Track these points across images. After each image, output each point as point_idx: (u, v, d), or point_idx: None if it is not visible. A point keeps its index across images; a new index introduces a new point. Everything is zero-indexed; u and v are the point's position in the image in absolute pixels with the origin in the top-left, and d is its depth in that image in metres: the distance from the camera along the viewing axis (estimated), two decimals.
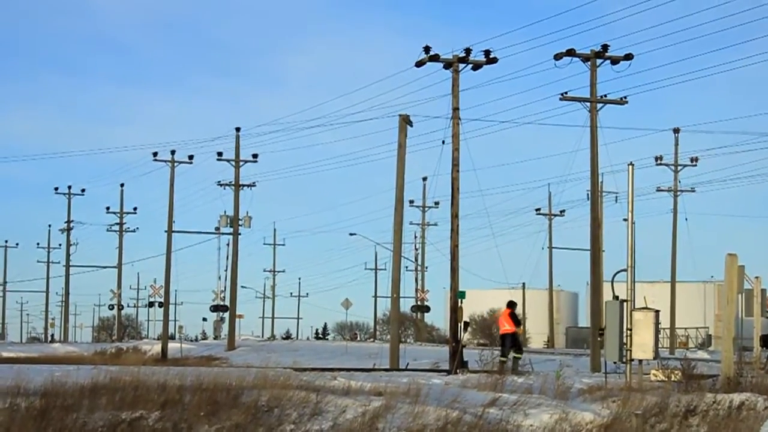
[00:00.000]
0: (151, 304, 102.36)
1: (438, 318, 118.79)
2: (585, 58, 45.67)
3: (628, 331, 26.43)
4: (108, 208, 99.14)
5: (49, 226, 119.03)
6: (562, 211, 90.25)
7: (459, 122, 42.87)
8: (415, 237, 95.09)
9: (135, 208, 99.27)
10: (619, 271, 27.91)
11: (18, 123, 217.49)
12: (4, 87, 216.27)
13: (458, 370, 37.07)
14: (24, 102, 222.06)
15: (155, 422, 17.62)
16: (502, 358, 35.90)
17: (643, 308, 27.13)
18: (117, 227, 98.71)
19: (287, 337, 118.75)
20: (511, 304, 37.75)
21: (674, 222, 73.66)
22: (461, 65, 43.28)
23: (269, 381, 20.30)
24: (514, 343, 36.62)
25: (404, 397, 20.05)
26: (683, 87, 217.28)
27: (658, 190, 73.50)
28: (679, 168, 72.35)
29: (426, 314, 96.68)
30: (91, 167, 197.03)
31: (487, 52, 43.12)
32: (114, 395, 18.23)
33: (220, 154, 71.65)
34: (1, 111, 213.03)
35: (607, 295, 29.13)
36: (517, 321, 37.15)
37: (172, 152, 74.26)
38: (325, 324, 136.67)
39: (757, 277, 37.41)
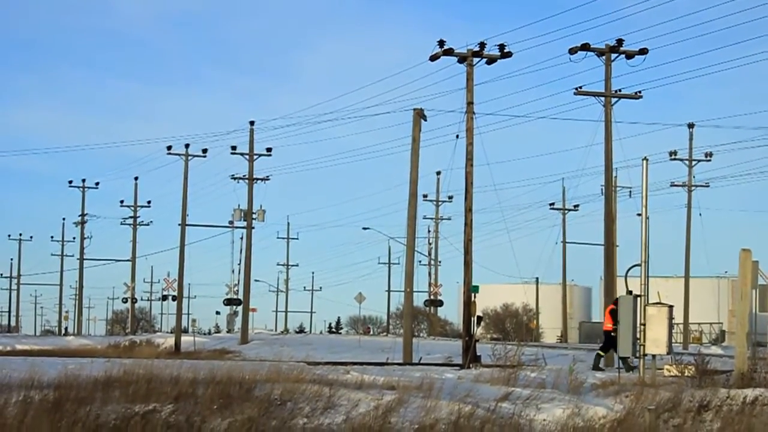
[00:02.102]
0: (164, 298, 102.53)
1: (451, 312, 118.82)
2: (600, 53, 45.55)
3: (642, 326, 26.40)
4: (122, 202, 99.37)
5: (63, 219, 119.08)
6: (576, 206, 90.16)
7: (473, 116, 42.84)
8: (429, 231, 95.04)
9: (149, 202, 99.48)
10: (632, 266, 27.86)
11: (33, 116, 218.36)
12: (20, 81, 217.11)
13: (471, 365, 37.05)
14: (39, 96, 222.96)
15: (168, 415, 17.66)
16: (600, 352, 35.45)
17: (657, 303, 27.09)
18: (131, 221, 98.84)
19: (300, 330, 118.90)
20: (616, 301, 36.42)
21: (688, 217, 73.50)
22: (475, 59, 43.24)
23: (282, 375, 20.35)
24: (608, 340, 35.46)
25: (417, 391, 20.07)
26: (698, 82, 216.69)
27: (673, 185, 73.31)
28: (693, 163, 72.16)
29: (439, 308, 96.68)
30: (105, 161, 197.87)
31: (501, 46, 43.08)
32: (127, 388, 18.28)
33: (234, 147, 71.73)
34: (18, 104, 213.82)
35: (620, 290, 29.09)
36: (613, 318, 35.27)
37: (186, 146, 74.29)
38: (339, 318, 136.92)
39: None
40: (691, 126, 70.91)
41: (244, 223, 74.25)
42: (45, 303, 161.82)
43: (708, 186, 73.49)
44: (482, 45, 43.10)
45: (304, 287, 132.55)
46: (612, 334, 35.75)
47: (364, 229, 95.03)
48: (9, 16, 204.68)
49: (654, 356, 26.78)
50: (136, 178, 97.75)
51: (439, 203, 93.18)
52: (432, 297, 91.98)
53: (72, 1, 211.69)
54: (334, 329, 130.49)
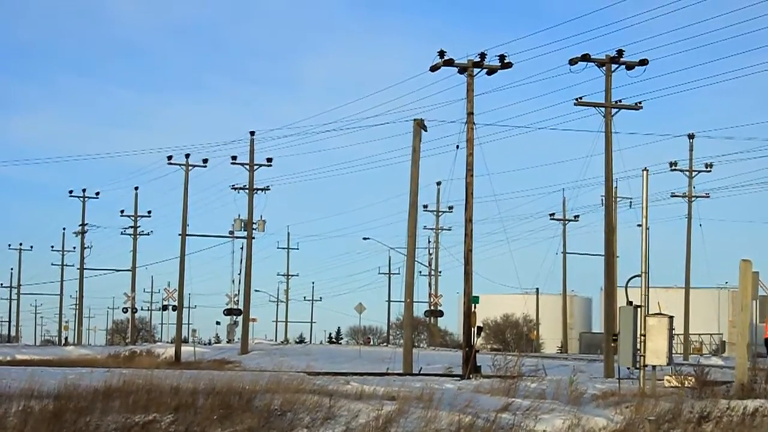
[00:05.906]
0: (164, 308, 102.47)
1: (451, 323, 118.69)
2: (600, 64, 45.60)
3: (642, 337, 26.38)
4: (122, 212, 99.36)
5: (64, 229, 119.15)
6: (576, 217, 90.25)
7: (473, 127, 42.90)
8: (429, 241, 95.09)
9: (149, 212, 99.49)
10: (633, 277, 27.86)
11: (34, 125, 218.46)
12: (21, 89, 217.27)
13: (471, 375, 37.07)
14: (40, 105, 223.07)
15: (168, 426, 17.64)
16: None
17: (657, 314, 27.07)
18: (131, 230, 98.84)
19: (300, 341, 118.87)
20: None
21: (688, 228, 73.52)
22: (476, 70, 43.32)
23: (282, 385, 20.32)
24: None
25: (417, 401, 20.05)
26: (698, 92, 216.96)
27: (673, 195, 73.36)
28: (693, 174, 72.23)
29: (439, 319, 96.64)
30: (105, 170, 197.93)
31: (501, 57, 43.14)
32: (127, 398, 18.26)
33: (234, 158, 71.78)
34: (18, 114, 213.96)
35: (621, 301, 29.09)
36: None
37: (187, 156, 74.34)
38: (339, 328, 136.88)
39: None
40: (691, 137, 71.01)
41: (245, 233, 74.26)
42: (45, 313, 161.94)
43: (708, 197, 73.58)
44: (482, 55, 43.18)
45: (305, 297, 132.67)
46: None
47: (365, 239, 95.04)
48: (8, 24, 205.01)
49: (654, 367, 26.76)
50: (136, 188, 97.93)
51: (440, 213, 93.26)
52: (432, 307, 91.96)
53: (72, 9, 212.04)
54: (334, 339, 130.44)
